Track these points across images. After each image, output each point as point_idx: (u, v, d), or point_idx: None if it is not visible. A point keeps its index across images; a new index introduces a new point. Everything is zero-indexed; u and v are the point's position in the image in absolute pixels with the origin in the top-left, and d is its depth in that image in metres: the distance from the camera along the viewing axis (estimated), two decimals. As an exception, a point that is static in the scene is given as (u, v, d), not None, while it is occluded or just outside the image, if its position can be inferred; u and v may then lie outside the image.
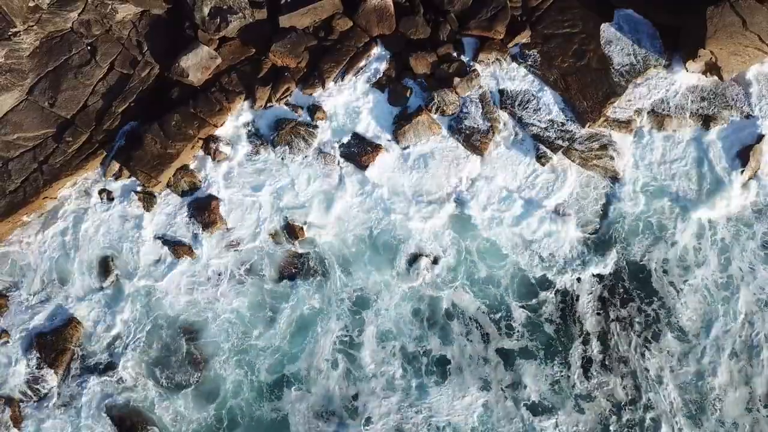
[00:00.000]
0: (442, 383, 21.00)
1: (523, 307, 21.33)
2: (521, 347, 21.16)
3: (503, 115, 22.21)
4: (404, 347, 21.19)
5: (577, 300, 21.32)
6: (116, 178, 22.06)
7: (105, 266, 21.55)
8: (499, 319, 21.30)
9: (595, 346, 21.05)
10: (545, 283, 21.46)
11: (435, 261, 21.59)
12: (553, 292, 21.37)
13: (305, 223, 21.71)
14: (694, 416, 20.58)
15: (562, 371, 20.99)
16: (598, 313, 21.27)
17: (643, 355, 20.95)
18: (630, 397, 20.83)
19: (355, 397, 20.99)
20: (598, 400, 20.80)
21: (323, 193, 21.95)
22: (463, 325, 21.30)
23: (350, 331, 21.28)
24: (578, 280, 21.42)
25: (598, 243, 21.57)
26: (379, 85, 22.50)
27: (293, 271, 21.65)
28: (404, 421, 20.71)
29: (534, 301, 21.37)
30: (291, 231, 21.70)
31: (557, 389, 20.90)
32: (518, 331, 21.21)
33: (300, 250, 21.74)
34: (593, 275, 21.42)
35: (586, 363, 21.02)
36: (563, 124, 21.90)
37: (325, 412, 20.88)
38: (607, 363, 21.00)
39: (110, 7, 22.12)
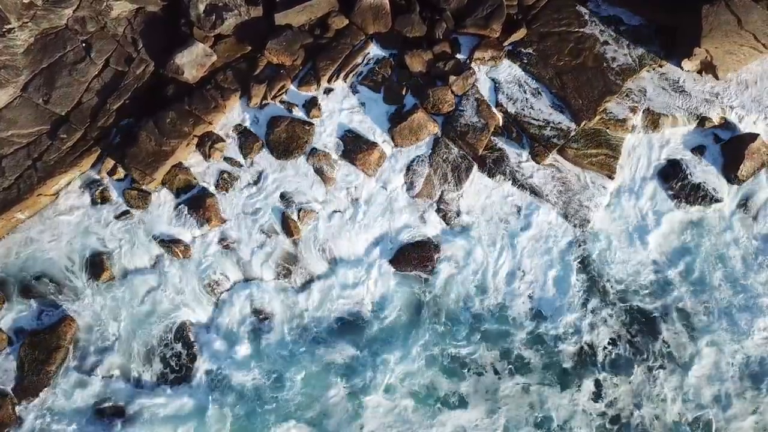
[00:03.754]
0: (461, 408, 20.57)
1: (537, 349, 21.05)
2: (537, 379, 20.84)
3: (498, 114, 22.22)
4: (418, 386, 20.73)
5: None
6: (111, 176, 22.02)
7: (99, 264, 21.42)
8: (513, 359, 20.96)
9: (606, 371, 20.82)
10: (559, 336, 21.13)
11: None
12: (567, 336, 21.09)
13: (300, 217, 21.69)
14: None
15: (575, 395, 20.60)
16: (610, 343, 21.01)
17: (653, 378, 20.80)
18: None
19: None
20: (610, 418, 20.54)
21: (320, 191, 21.96)
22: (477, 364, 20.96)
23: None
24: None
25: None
26: (374, 83, 22.49)
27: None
28: None
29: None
30: (286, 228, 21.66)
31: (572, 409, 20.59)
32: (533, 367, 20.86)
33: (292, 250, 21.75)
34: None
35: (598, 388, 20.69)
36: (559, 123, 21.92)
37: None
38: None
39: (105, 4, 22.10)
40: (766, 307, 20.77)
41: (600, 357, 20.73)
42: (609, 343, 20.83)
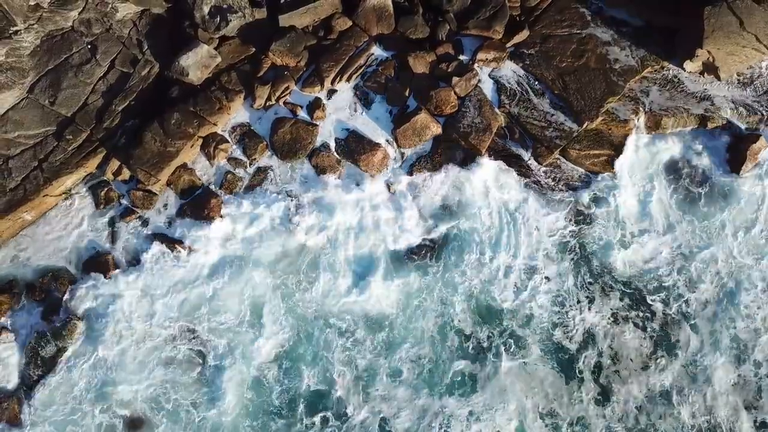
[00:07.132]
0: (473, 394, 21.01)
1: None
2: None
3: (501, 115, 22.32)
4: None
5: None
6: (116, 176, 22.16)
7: (104, 264, 21.57)
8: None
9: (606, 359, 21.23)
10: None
11: None
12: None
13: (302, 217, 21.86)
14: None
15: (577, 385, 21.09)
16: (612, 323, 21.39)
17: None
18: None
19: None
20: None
21: (323, 192, 22.12)
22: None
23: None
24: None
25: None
26: (377, 84, 22.59)
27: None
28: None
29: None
30: (289, 228, 21.73)
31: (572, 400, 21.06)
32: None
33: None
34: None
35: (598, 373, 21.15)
36: (561, 123, 22.01)
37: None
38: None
39: (110, 5, 22.23)
40: None
41: (599, 346, 21.24)
42: (608, 327, 21.33)
